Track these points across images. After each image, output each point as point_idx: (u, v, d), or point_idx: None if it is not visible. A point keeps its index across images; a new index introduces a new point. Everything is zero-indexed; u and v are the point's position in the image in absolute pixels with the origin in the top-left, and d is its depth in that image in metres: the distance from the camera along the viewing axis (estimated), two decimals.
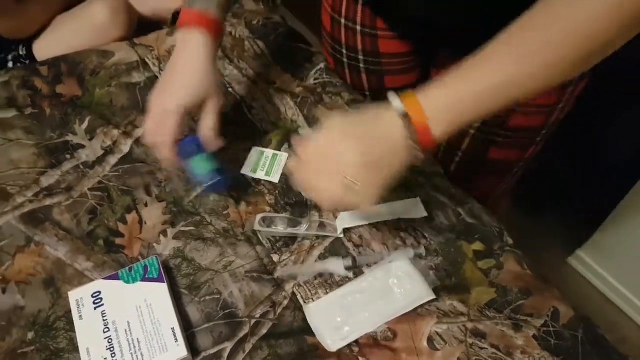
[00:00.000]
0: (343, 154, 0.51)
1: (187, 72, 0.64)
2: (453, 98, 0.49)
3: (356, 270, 0.62)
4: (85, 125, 0.77)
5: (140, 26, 1.00)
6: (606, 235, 1.50)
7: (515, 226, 1.53)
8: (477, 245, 0.66)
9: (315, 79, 0.86)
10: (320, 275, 0.62)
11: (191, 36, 0.64)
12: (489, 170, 0.84)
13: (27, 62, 0.94)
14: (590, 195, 1.50)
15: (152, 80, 0.84)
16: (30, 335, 0.58)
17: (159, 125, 0.63)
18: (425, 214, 0.68)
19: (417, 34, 0.77)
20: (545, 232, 1.65)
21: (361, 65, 0.86)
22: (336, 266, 0.61)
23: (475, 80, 0.48)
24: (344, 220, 0.67)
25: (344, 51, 0.86)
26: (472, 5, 0.62)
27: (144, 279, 0.60)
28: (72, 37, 0.89)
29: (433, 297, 0.59)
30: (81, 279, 0.62)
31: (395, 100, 0.50)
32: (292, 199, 0.71)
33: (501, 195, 0.90)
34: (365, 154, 0.50)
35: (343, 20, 0.82)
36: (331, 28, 0.86)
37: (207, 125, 0.65)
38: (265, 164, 0.74)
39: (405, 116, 0.49)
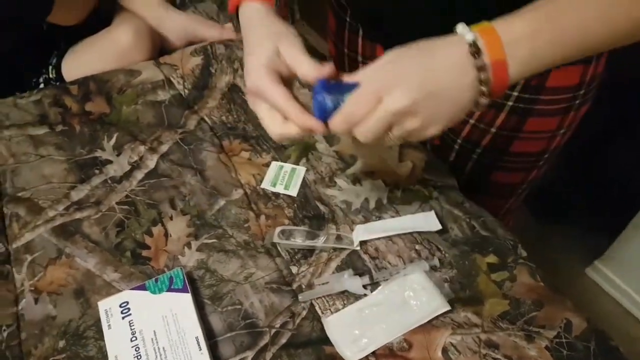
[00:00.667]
0: (405, 78, 0.46)
1: (251, 35, 0.58)
2: (534, 34, 0.44)
3: (373, 285, 0.64)
4: (113, 141, 0.81)
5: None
6: (624, 247, 1.49)
7: (533, 236, 1.53)
8: (491, 258, 0.68)
9: None
10: None
11: (244, 9, 0.60)
12: (492, 192, 0.85)
13: (57, 84, 0.99)
14: (608, 206, 1.50)
15: (177, 98, 0.88)
16: (61, 343, 0.61)
17: (262, 99, 0.55)
18: (439, 226, 0.69)
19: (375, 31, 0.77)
20: (563, 243, 1.64)
21: None
22: (354, 284, 0.63)
23: (556, 17, 0.44)
24: (360, 233, 0.69)
25: None
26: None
27: (169, 290, 0.63)
28: (97, 59, 0.94)
29: (448, 308, 0.61)
30: (109, 289, 0.66)
31: (467, 34, 0.44)
32: (310, 212, 0.74)
33: (507, 213, 0.92)
34: (428, 83, 0.46)
35: (346, 51, 0.85)
36: (336, 59, 0.89)
37: (303, 62, 0.54)
38: (284, 178, 0.77)
39: (478, 51, 0.44)
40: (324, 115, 0.52)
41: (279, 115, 0.54)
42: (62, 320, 0.63)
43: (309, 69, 0.52)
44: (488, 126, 0.76)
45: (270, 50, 0.54)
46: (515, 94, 0.70)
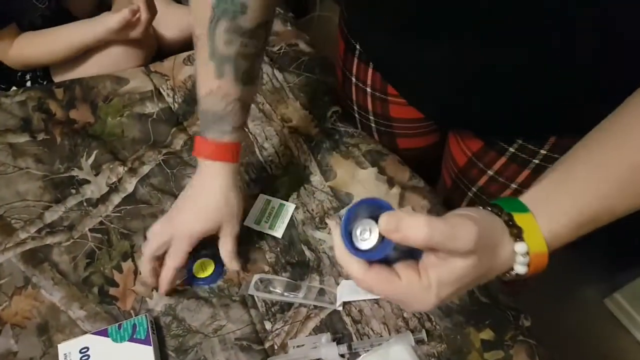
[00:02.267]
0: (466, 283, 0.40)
1: (202, 199, 0.62)
2: (572, 233, 0.42)
3: (351, 355, 0.58)
4: (91, 159, 0.76)
5: (161, 50, 0.98)
6: None
7: (554, 262, 1.46)
8: (486, 334, 0.61)
9: (333, 122, 0.81)
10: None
11: (207, 168, 0.62)
12: None
13: (45, 82, 0.93)
14: (633, 239, 1.40)
15: (165, 112, 0.82)
16: None
17: (164, 253, 0.61)
18: None
19: (433, 113, 0.70)
20: (584, 271, 1.57)
21: (372, 125, 0.80)
22: (330, 353, 0.57)
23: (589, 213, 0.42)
24: (344, 293, 0.63)
25: (355, 107, 0.81)
26: (496, 90, 0.55)
27: (131, 339, 0.59)
28: (87, 65, 0.88)
29: None
30: (73, 328, 0.62)
31: (520, 245, 0.39)
32: (294, 258, 0.68)
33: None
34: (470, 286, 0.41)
35: (354, 79, 0.76)
36: (342, 83, 0.80)
37: (226, 249, 0.64)
38: (270, 215, 0.71)
39: (526, 256, 0.40)
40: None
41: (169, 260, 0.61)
42: (23, 358, 0.60)
43: (227, 254, 0.65)
44: (508, 181, 0.67)
45: (212, 225, 0.62)
46: (544, 152, 0.62)
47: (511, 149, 0.64)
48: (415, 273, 0.38)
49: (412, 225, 0.34)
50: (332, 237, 0.40)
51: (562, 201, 0.41)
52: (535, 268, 0.40)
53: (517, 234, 0.39)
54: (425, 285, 0.38)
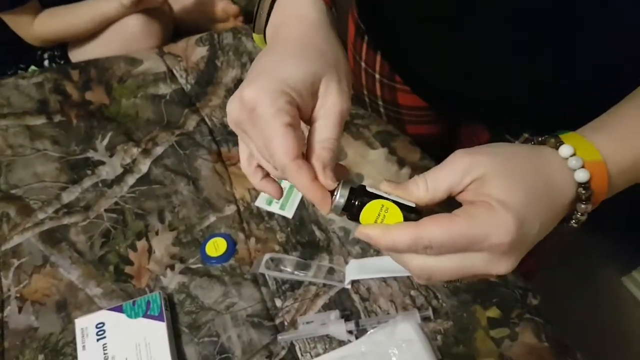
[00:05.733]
0: (520, 246, 0.36)
1: (292, 41, 0.40)
2: (636, 165, 0.39)
3: (359, 331, 0.60)
4: (106, 141, 0.77)
5: (178, 30, 0.98)
6: None
7: (574, 240, 1.45)
8: (493, 312, 0.62)
9: None
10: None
11: (290, 14, 0.42)
12: None
13: (62, 62, 0.95)
14: None
15: (178, 94, 0.83)
16: (41, 357, 0.60)
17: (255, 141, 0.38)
18: None
19: (440, 104, 0.69)
20: (604, 249, 1.56)
21: (381, 110, 0.80)
22: (338, 330, 0.59)
23: None
24: (353, 271, 0.64)
25: (365, 92, 0.80)
26: (500, 80, 0.55)
27: (145, 315, 0.61)
28: (104, 43, 0.89)
29: None
30: (90, 305, 0.64)
31: (581, 173, 0.37)
32: (304, 237, 0.69)
33: (538, 259, 0.84)
34: (542, 227, 0.37)
35: (363, 64, 0.76)
36: (353, 67, 0.79)
37: (326, 134, 0.37)
38: None
39: (587, 191, 0.37)
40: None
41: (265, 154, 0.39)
42: (43, 334, 0.62)
43: (330, 143, 0.37)
44: None
45: (311, 77, 0.37)
46: None
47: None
48: (469, 207, 0.34)
49: (428, 229, 0.33)
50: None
51: (617, 130, 0.38)
52: (599, 179, 0.37)
53: (554, 142, 0.37)
54: (491, 209, 0.33)
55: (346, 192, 0.36)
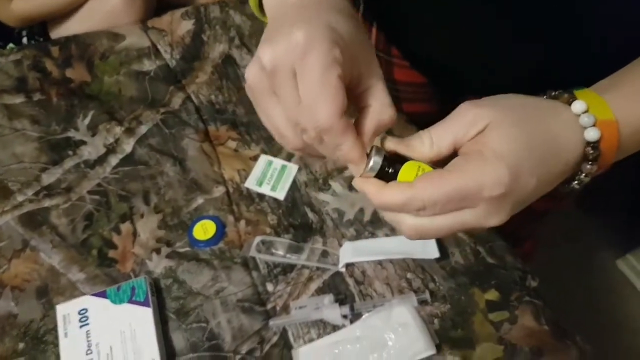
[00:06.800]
0: (525, 189, 0.34)
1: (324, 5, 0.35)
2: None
3: (354, 315, 0.58)
4: (88, 120, 0.74)
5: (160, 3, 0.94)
6: None
7: (571, 223, 1.44)
8: (492, 294, 0.60)
9: None
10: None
11: None
12: (519, 215, 0.75)
13: (41, 39, 0.90)
14: None
15: (163, 70, 0.79)
16: (21, 345, 0.58)
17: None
18: (437, 254, 0.61)
19: (439, 77, 0.66)
20: (600, 232, 1.56)
21: None
22: (332, 314, 0.56)
23: None
24: (347, 254, 0.62)
25: None
26: (504, 59, 0.52)
27: (130, 301, 0.58)
28: (84, 19, 0.85)
29: (432, 352, 0.54)
30: (73, 290, 0.61)
31: (591, 132, 0.35)
32: (296, 220, 0.66)
33: (530, 236, 0.82)
34: (540, 183, 0.35)
35: None
36: None
37: (382, 99, 0.35)
38: (272, 177, 0.69)
39: (596, 151, 0.35)
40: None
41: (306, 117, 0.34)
42: (23, 320, 0.59)
43: (386, 108, 0.35)
44: None
45: (359, 32, 0.35)
46: None
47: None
48: (461, 160, 0.33)
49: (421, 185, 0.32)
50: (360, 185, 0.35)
51: (631, 90, 0.37)
52: (609, 139, 0.35)
53: (567, 98, 0.35)
54: (482, 160, 0.32)
55: (381, 155, 0.35)
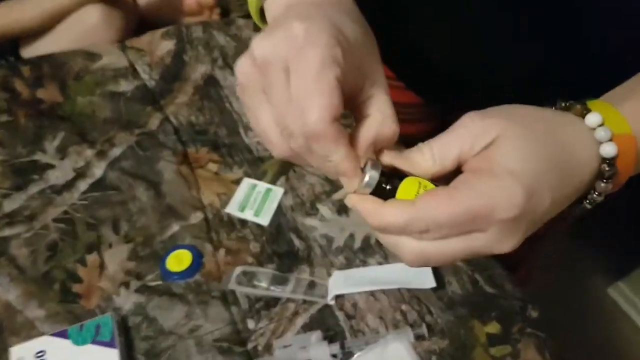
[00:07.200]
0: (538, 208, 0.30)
1: (325, 7, 0.32)
2: None
3: (345, 354, 0.52)
4: (57, 142, 0.68)
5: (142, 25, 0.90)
6: None
7: (564, 249, 1.41)
8: (492, 327, 0.55)
9: None
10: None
11: None
12: None
13: (12, 58, 0.86)
14: (637, 228, 1.36)
15: (141, 90, 0.75)
16: None
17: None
18: (433, 284, 0.56)
19: (435, 93, 0.62)
20: (587, 260, 1.54)
21: None
22: (320, 353, 0.51)
23: None
24: (337, 285, 0.56)
25: None
26: (504, 65, 0.49)
27: (94, 342, 0.52)
28: (59, 38, 0.81)
29: None
30: (30, 330, 0.55)
31: (607, 147, 0.31)
32: (281, 247, 0.61)
33: (526, 260, 0.78)
34: (554, 202, 0.31)
35: None
36: None
37: (384, 110, 0.32)
38: (255, 201, 0.64)
39: (612, 168, 0.32)
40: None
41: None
42: None
43: (387, 120, 0.32)
44: None
45: (365, 34, 0.32)
46: None
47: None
48: (468, 176, 0.29)
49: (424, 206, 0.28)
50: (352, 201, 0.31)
51: None
52: (627, 155, 0.31)
53: (581, 110, 0.32)
54: (494, 177, 0.28)
55: (378, 169, 0.30)
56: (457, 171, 0.31)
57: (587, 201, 0.34)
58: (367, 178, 0.30)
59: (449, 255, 0.29)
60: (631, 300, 1.47)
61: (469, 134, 0.30)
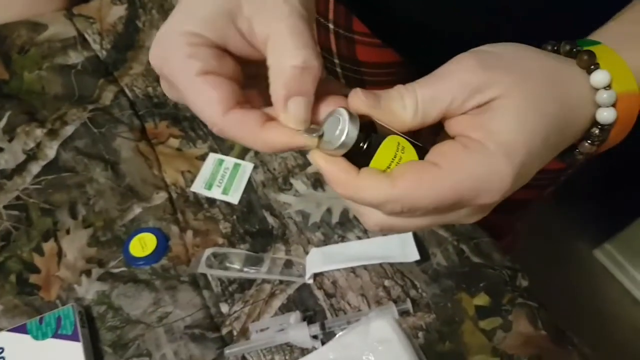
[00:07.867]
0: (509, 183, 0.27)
1: None
2: None
3: (326, 334, 0.49)
4: (3, 123, 0.62)
5: None
6: (637, 231, 1.36)
7: (547, 213, 1.41)
8: (481, 299, 0.53)
9: None
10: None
11: None
12: (499, 209, 0.68)
13: None
14: (626, 190, 1.36)
15: (92, 62, 0.68)
16: None
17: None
18: (417, 257, 0.53)
19: (407, 43, 0.57)
20: (576, 223, 1.53)
21: (338, 69, 0.67)
22: (299, 335, 0.48)
23: None
24: (315, 263, 0.53)
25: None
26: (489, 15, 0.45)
27: (55, 335, 0.48)
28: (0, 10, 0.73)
29: None
30: None
31: (605, 113, 0.28)
32: (254, 226, 0.57)
33: (513, 232, 0.76)
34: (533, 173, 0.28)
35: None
36: None
37: (281, 48, 0.26)
38: (223, 178, 0.60)
39: (604, 130, 0.29)
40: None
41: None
42: None
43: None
44: None
45: (219, 12, 0.27)
46: None
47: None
48: (460, 149, 0.25)
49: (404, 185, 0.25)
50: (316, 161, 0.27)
51: None
52: (625, 117, 0.28)
53: (588, 62, 0.27)
54: (486, 156, 0.24)
55: (356, 126, 0.25)
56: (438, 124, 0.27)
57: (567, 158, 0.31)
58: (343, 137, 0.25)
59: (413, 228, 0.28)
60: (618, 261, 1.47)
61: (464, 86, 0.25)
